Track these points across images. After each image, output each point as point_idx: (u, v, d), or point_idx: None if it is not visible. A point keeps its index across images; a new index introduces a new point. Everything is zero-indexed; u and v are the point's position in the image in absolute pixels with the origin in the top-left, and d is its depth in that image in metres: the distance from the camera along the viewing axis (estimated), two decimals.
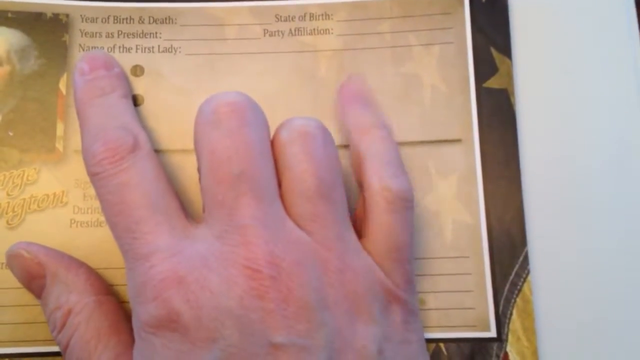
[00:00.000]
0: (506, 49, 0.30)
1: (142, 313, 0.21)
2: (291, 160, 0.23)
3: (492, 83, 0.30)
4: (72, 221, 0.28)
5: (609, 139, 0.30)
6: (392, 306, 0.23)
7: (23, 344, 0.27)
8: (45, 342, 0.27)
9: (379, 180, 0.24)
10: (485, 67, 0.30)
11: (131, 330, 0.23)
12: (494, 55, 0.30)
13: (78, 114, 0.27)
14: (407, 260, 0.24)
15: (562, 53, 0.31)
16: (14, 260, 0.26)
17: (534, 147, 0.30)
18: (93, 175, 0.24)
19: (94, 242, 0.28)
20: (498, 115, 0.30)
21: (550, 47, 0.31)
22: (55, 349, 0.27)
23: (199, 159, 0.23)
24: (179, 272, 0.21)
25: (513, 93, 0.30)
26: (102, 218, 0.28)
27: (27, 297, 0.27)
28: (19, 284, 0.27)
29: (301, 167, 0.23)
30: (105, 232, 0.28)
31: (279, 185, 0.23)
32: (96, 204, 0.28)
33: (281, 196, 0.23)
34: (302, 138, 0.23)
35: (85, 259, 0.27)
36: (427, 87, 0.30)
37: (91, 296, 0.25)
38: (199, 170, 0.24)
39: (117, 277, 0.27)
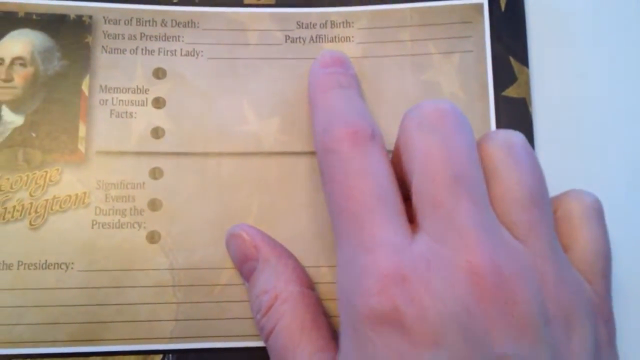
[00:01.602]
0: (524, 58, 0.31)
1: (362, 306, 0.20)
2: (501, 169, 0.22)
3: (511, 92, 0.30)
4: (94, 222, 0.28)
5: (627, 147, 0.30)
6: (599, 321, 0.22)
7: (44, 345, 0.27)
8: (66, 342, 0.27)
9: (574, 194, 0.24)
10: (504, 76, 0.30)
11: (330, 325, 0.23)
12: (512, 65, 0.31)
13: (313, 99, 0.26)
14: (610, 271, 0.24)
15: (579, 62, 0.31)
16: (233, 239, 0.26)
17: (551, 156, 0.30)
18: (329, 153, 0.23)
19: (115, 243, 0.28)
20: (516, 124, 0.30)
21: (568, 57, 0.31)
22: (76, 349, 0.27)
23: (407, 162, 0.22)
24: (403, 270, 0.20)
25: (531, 102, 0.30)
26: (124, 219, 0.28)
27: (48, 297, 0.27)
28: (40, 285, 0.27)
29: (513, 175, 0.22)
30: (126, 234, 0.28)
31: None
32: (118, 205, 0.28)
33: (491, 203, 0.22)
34: (508, 148, 0.23)
35: (107, 261, 0.28)
36: (446, 95, 0.30)
37: (296, 287, 0.25)
38: (400, 172, 0.23)
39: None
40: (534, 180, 0.23)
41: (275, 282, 0.25)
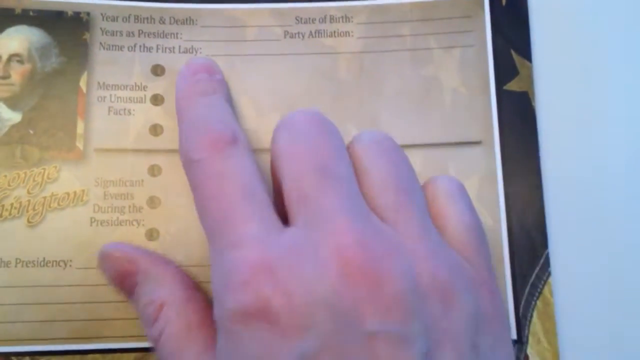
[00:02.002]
0: (526, 52, 0.30)
1: (228, 301, 0.20)
2: (368, 163, 0.23)
3: (513, 86, 0.30)
4: (93, 220, 0.28)
5: (631, 141, 0.30)
6: (482, 295, 0.23)
7: (43, 342, 0.27)
8: (65, 340, 0.27)
9: (435, 178, 0.25)
10: (505, 70, 0.30)
11: None
12: (514, 58, 0.30)
13: (178, 110, 0.27)
14: (483, 242, 0.24)
15: (582, 55, 0.31)
16: (105, 260, 0.26)
17: (555, 149, 0.30)
18: (192, 162, 0.24)
19: (114, 240, 0.28)
20: (519, 118, 0.30)
21: (570, 50, 0.31)
22: (74, 347, 0.27)
23: (278, 168, 0.23)
24: (269, 260, 0.20)
25: (533, 96, 0.30)
26: (123, 217, 0.28)
27: (47, 295, 0.27)
28: (38, 282, 0.27)
29: (379, 167, 0.23)
30: (125, 231, 0.28)
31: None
32: (117, 202, 0.28)
33: (362, 195, 0.23)
34: (375, 145, 0.24)
35: None
36: (447, 89, 0.30)
37: (181, 291, 0.25)
38: (276, 181, 0.24)
39: None
40: (400, 170, 0.24)
41: (159, 290, 0.25)
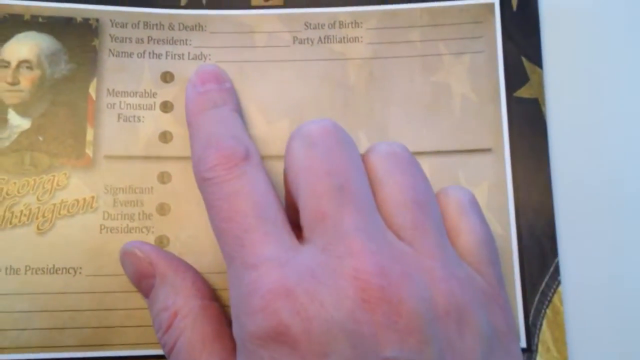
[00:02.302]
0: (537, 58, 0.30)
1: (248, 324, 0.21)
2: (384, 175, 0.23)
3: (523, 92, 0.30)
4: (102, 227, 0.28)
5: None
6: (494, 309, 0.23)
7: (53, 350, 0.27)
8: (75, 347, 0.27)
9: (447, 190, 0.25)
10: (516, 77, 0.30)
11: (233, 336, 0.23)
12: (524, 65, 0.30)
13: (189, 124, 0.27)
14: (496, 258, 0.24)
15: (593, 62, 0.31)
16: (127, 257, 0.26)
17: (565, 156, 0.29)
18: (205, 181, 0.24)
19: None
20: (529, 125, 0.30)
21: (581, 56, 0.31)
22: (84, 355, 0.27)
23: (293, 181, 0.23)
24: (288, 283, 0.20)
25: (544, 103, 0.30)
26: (132, 224, 0.28)
27: (57, 302, 0.27)
28: (48, 289, 0.27)
29: (395, 180, 0.23)
30: (135, 238, 0.28)
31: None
32: (126, 210, 0.28)
33: (378, 209, 0.23)
34: (391, 156, 0.24)
35: (116, 266, 0.27)
36: (457, 96, 0.30)
37: (197, 300, 0.25)
38: (289, 192, 0.24)
39: None
40: (416, 183, 0.23)
41: (174, 297, 0.25)
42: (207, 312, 0.25)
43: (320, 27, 0.31)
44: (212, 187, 0.23)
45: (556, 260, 0.28)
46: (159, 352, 0.27)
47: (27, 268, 0.27)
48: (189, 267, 0.26)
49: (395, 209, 0.23)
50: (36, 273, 0.27)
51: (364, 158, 0.24)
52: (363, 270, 0.20)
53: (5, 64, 0.29)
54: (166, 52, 0.30)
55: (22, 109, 0.29)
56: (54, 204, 0.28)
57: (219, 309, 0.25)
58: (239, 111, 0.28)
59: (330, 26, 0.31)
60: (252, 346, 0.20)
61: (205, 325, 0.24)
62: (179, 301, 0.25)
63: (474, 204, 0.25)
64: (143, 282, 0.26)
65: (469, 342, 0.21)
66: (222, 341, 0.24)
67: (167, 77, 0.30)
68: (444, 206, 0.24)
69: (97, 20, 0.30)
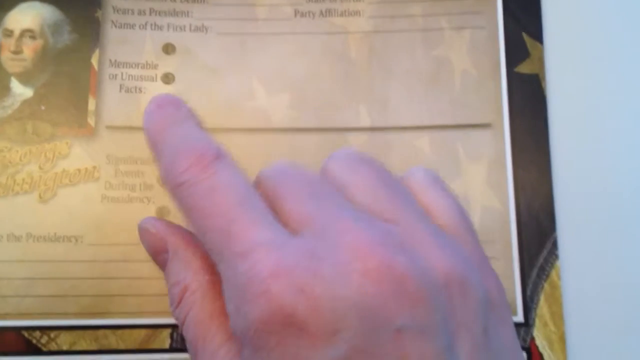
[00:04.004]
0: (538, 34, 0.30)
1: (251, 311, 0.19)
2: (348, 177, 0.23)
3: (523, 68, 0.30)
4: (104, 196, 0.28)
5: None
6: (485, 274, 0.23)
7: (54, 317, 0.27)
8: (76, 315, 0.27)
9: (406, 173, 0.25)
10: (516, 52, 0.30)
11: None
12: (525, 40, 0.30)
13: (152, 146, 0.26)
14: (471, 224, 0.24)
15: (594, 38, 0.31)
16: (143, 234, 0.26)
17: (565, 132, 0.30)
18: (179, 186, 0.23)
19: (125, 217, 0.28)
20: (529, 101, 0.30)
21: (582, 32, 0.31)
22: (84, 322, 0.27)
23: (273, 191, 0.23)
24: (287, 264, 0.20)
25: (544, 78, 0.30)
26: (134, 194, 0.28)
27: (58, 270, 0.27)
28: (49, 257, 0.27)
29: (359, 175, 0.23)
30: (136, 208, 0.28)
31: None
32: (128, 180, 0.28)
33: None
34: (346, 159, 0.24)
35: (117, 235, 0.28)
36: (457, 71, 0.30)
37: (206, 275, 0.24)
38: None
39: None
40: (380, 174, 0.23)
41: (184, 273, 0.25)
42: (215, 288, 0.24)
43: (321, 0, 0.31)
44: (189, 189, 0.22)
45: (554, 236, 0.29)
46: (157, 320, 0.27)
47: (29, 236, 0.28)
48: (200, 243, 0.25)
49: (369, 198, 0.22)
50: (38, 241, 0.27)
51: (323, 168, 0.24)
52: (361, 244, 0.20)
53: (9, 33, 0.29)
54: (168, 24, 0.30)
55: (25, 78, 0.29)
56: (56, 173, 0.28)
57: None
58: (202, 127, 0.28)
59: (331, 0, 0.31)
60: (257, 334, 0.20)
61: (214, 301, 0.23)
62: (189, 276, 0.25)
63: (438, 179, 0.25)
64: (158, 257, 0.26)
65: (471, 307, 0.21)
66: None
67: (168, 49, 0.30)
68: (412, 186, 0.25)
69: None
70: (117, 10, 0.30)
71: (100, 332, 0.27)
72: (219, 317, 0.24)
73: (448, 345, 0.20)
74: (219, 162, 0.23)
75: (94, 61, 0.29)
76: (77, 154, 0.28)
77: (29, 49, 0.29)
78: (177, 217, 0.28)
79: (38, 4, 0.29)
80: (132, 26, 0.30)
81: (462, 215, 0.24)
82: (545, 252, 0.28)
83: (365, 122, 0.30)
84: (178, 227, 0.26)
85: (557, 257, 0.28)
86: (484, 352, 0.21)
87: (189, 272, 0.25)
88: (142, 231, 0.26)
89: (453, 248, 0.22)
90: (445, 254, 0.22)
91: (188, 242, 0.26)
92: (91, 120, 0.29)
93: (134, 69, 0.29)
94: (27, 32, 0.29)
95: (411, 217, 0.22)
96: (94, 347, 0.27)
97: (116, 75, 0.29)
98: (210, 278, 0.25)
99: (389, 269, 0.20)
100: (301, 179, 0.23)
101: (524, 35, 0.30)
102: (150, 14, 0.30)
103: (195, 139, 0.25)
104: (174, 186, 0.23)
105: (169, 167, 0.24)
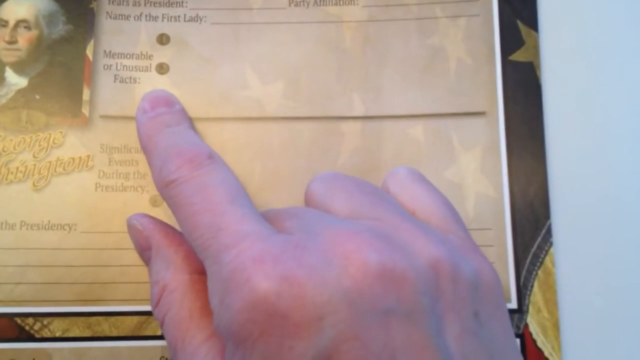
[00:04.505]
0: (533, 22, 0.30)
1: (234, 302, 0.19)
2: (327, 197, 0.24)
3: (518, 56, 0.30)
4: (97, 185, 0.28)
5: (636, 113, 0.30)
6: (477, 259, 0.22)
7: (47, 304, 0.27)
8: (69, 302, 0.27)
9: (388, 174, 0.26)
10: (511, 40, 0.30)
11: None
12: (520, 28, 0.30)
13: (145, 148, 0.27)
14: (458, 214, 0.24)
15: (589, 26, 0.30)
16: (130, 230, 0.26)
17: (559, 120, 0.29)
18: (170, 184, 0.23)
19: (118, 206, 0.28)
20: (523, 89, 0.30)
21: (577, 20, 0.30)
22: (78, 309, 0.27)
23: None
24: (272, 252, 0.19)
25: (539, 66, 0.30)
26: (127, 183, 0.28)
27: (51, 257, 0.27)
28: (43, 245, 0.28)
29: (340, 190, 0.24)
30: (129, 197, 0.28)
31: None
32: (121, 169, 0.29)
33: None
34: (324, 180, 0.25)
35: (110, 223, 0.28)
36: (452, 59, 0.30)
37: (185, 274, 0.24)
38: None
39: None
40: (357, 184, 0.24)
41: (164, 272, 0.25)
42: (195, 287, 0.24)
43: None
44: (179, 187, 0.23)
45: (548, 223, 0.28)
46: (150, 308, 0.27)
47: (23, 223, 0.28)
48: (183, 241, 0.26)
49: (350, 206, 0.23)
50: (31, 229, 0.28)
51: (306, 195, 0.25)
52: (346, 234, 0.20)
53: (4, 23, 0.29)
54: (162, 15, 0.30)
55: (19, 68, 0.29)
56: (50, 162, 0.28)
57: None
58: (194, 129, 0.28)
59: None
60: (241, 325, 0.19)
61: (194, 300, 0.24)
62: (168, 275, 0.25)
63: (421, 176, 0.25)
64: (144, 254, 0.26)
65: (461, 291, 0.21)
66: (211, 316, 0.23)
67: (163, 39, 0.30)
68: (393, 183, 0.25)
69: None
70: (112, 2, 0.30)
71: (94, 319, 0.27)
72: (200, 316, 0.23)
73: (436, 328, 0.20)
74: (211, 163, 0.24)
75: (89, 52, 0.29)
76: (71, 143, 0.29)
77: (24, 39, 0.29)
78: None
79: None
80: (126, 17, 0.30)
81: (448, 208, 0.24)
82: (539, 239, 0.28)
83: (360, 110, 0.30)
84: (163, 225, 0.26)
85: (551, 244, 0.28)
86: (474, 336, 0.21)
87: (168, 272, 0.25)
88: (130, 227, 0.27)
89: (439, 237, 0.22)
90: (431, 242, 0.21)
91: (171, 241, 0.26)
92: (85, 110, 0.29)
93: (129, 59, 0.30)
94: (22, 23, 0.29)
95: (394, 216, 0.22)
96: (87, 333, 0.27)
97: (111, 65, 0.29)
98: (191, 277, 0.24)
99: (373, 253, 0.20)
100: (285, 209, 0.23)
101: (519, 23, 0.30)
102: (145, 5, 0.30)
103: (187, 142, 0.25)
104: (166, 184, 0.24)
105: (159, 170, 0.24)
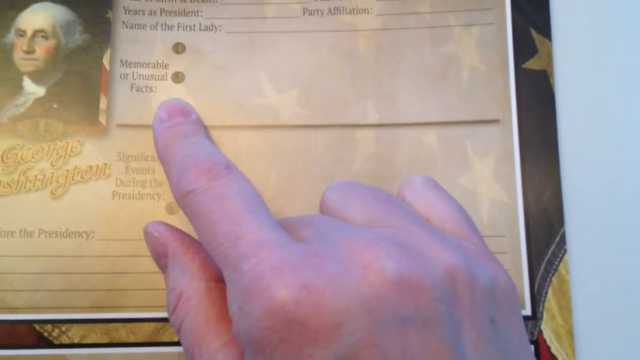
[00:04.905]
0: (546, 30, 0.30)
1: (254, 310, 0.19)
2: (343, 204, 0.24)
3: (532, 64, 0.30)
4: (115, 193, 0.29)
5: None
6: (492, 265, 0.23)
7: (65, 311, 0.28)
8: (87, 309, 0.28)
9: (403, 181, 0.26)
10: (524, 48, 0.30)
11: None
12: (533, 37, 0.30)
13: (161, 158, 0.27)
14: (472, 220, 0.25)
15: (602, 34, 0.31)
16: (147, 237, 0.27)
17: (573, 128, 0.30)
18: (188, 194, 0.23)
19: (135, 214, 0.28)
20: (537, 96, 0.30)
21: (590, 29, 0.31)
22: (95, 316, 0.28)
23: None
24: (291, 260, 0.20)
25: (552, 74, 0.30)
26: (144, 191, 0.29)
27: (69, 265, 0.28)
28: (61, 252, 0.28)
29: (355, 198, 0.24)
30: (146, 204, 0.29)
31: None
32: (138, 177, 0.29)
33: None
34: (339, 188, 0.25)
35: (127, 231, 0.28)
36: (466, 67, 0.30)
37: (201, 282, 0.24)
38: None
39: None
40: (374, 193, 0.24)
41: (180, 279, 0.25)
42: (211, 294, 0.24)
43: None
44: (197, 197, 0.23)
45: (562, 230, 0.28)
46: (166, 314, 0.27)
47: (41, 231, 0.28)
48: (200, 249, 0.26)
49: (366, 214, 0.23)
50: (50, 236, 0.28)
51: (321, 203, 0.25)
52: (363, 243, 0.20)
53: (22, 33, 0.30)
54: (178, 24, 0.30)
55: (37, 77, 0.29)
56: (68, 170, 0.29)
57: (225, 290, 0.25)
58: (210, 140, 0.29)
59: None
60: (260, 333, 0.19)
61: (211, 307, 0.24)
62: (184, 283, 0.25)
63: (436, 183, 0.25)
64: (160, 261, 0.26)
65: (477, 298, 0.21)
66: (227, 323, 0.23)
67: (178, 48, 0.30)
68: (408, 191, 0.25)
69: None
70: (128, 11, 0.30)
71: (111, 325, 0.28)
72: (216, 323, 0.24)
73: (453, 335, 0.20)
74: (228, 174, 0.24)
75: (105, 61, 0.30)
76: (89, 152, 0.29)
77: (41, 48, 0.29)
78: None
79: (50, 5, 0.30)
80: (142, 26, 0.30)
81: (463, 215, 0.24)
82: (553, 246, 0.28)
83: (373, 118, 0.30)
84: (180, 232, 0.26)
85: (565, 251, 0.28)
86: (490, 343, 0.21)
87: (185, 279, 0.25)
88: (147, 235, 0.27)
89: (455, 244, 0.22)
90: (447, 249, 0.22)
91: (187, 248, 0.26)
92: (102, 119, 0.29)
93: (145, 68, 0.30)
94: (39, 32, 0.30)
95: (409, 224, 0.22)
96: (104, 340, 0.28)
97: (127, 74, 0.30)
98: (207, 285, 0.25)
99: (391, 261, 0.20)
100: (301, 216, 0.24)
101: (532, 31, 0.30)
102: (160, 14, 0.30)
103: (204, 152, 0.25)
104: (184, 194, 0.24)
105: (177, 180, 0.24)
